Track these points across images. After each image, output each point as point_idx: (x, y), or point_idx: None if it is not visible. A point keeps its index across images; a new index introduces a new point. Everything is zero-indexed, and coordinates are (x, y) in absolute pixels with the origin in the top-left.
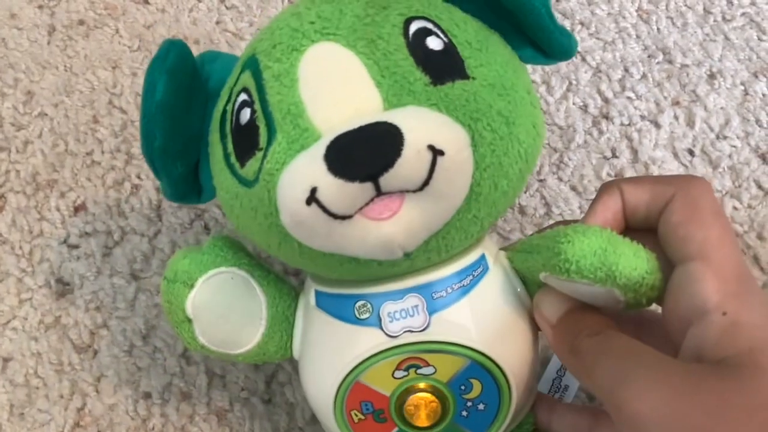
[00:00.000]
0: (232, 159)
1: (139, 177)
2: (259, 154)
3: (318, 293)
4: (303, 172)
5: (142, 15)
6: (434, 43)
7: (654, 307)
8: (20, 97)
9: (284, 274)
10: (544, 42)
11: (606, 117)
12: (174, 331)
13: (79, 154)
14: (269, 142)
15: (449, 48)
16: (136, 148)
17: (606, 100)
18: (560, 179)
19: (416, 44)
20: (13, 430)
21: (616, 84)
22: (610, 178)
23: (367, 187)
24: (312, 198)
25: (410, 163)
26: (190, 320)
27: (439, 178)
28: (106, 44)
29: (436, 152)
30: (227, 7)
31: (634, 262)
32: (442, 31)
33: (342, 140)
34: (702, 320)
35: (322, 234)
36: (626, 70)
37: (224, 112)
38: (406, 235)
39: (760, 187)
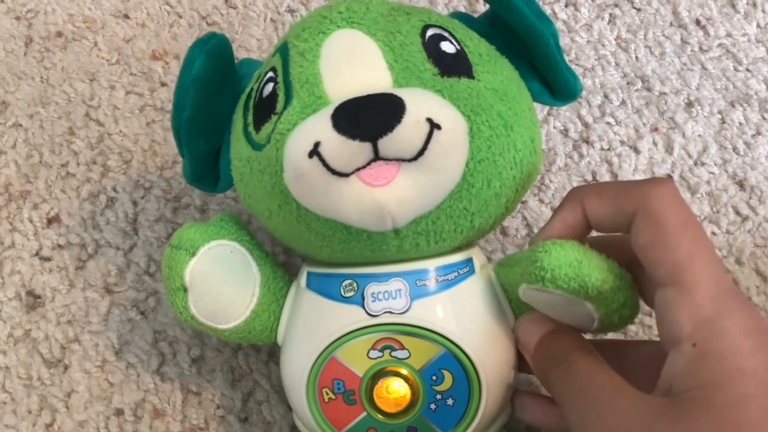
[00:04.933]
0: (250, 128)
1: (115, 190)
2: (274, 118)
3: (309, 274)
4: (310, 129)
5: (121, 29)
6: (447, 47)
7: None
8: None
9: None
10: (550, 73)
11: (586, 141)
12: (168, 299)
13: (54, 166)
14: (285, 107)
15: (460, 53)
16: (113, 161)
17: (586, 125)
18: (541, 201)
19: (430, 44)
20: None
21: (596, 109)
22: None
23: (366, 148)
24: (314, 151)
25: (408, 130)
26: (185, 289)
27: (434, 150)
28: (84, 57)
29: (433, 125)
30: (208, 24)
31: (606, 275)
32: (456, 40)
33: (350, 104)
34: (675, 350)
35: (319, 191)
36: (606, 96)
37: (251, 90)
38: (398, 203)
39: (738, 213)
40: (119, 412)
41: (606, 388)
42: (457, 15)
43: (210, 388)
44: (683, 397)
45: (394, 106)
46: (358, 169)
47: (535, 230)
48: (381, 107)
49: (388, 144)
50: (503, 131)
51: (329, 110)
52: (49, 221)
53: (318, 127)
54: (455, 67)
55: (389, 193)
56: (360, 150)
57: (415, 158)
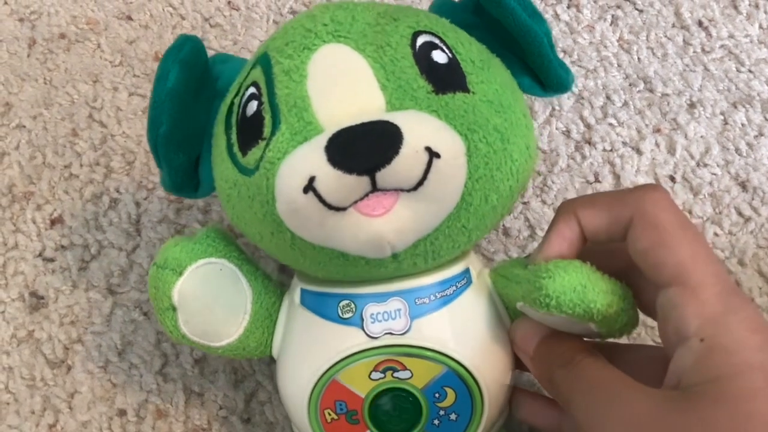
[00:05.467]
0: (235, 149)
1: (118, 191)
2: (262, 144)
3: (303, 291)
4: (303, 162)
5: (124, 31)
6: (439, 57)
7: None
8: None
9: (279, 273)
10: (542, 71)
11: (588, 142)
12: (157, 318)
13: (57, 167)
14: (273, 133)
15: (453, 62)
16: (116, 162)
17: (588, 126)
18: (544, 202)
19: (422, 55)
20: None
21: (598, 111)
22: None
23: (364, 181)
24: (309, 187)
25: (407, 161)
26: (174, 308)
27: (434, 179)
28: (87, 58)
29: (432, 154)
30: (211, 26)
31: (611, 299)
32: (448, 47)
33: (344, 134)
34: (682, 346)
35: (315, 224)
36: (608, 97)
37: (231, 104)
38: (397, 233)
39: (740, 214)
40: (122, 413)
41: (615, 383)
42: (440, 4)
43: (213, 389)
44: (692, 390)
45: (391, 137)
46: (355, 201)
47: (538, 231)
48: (377, 138)
49: (386, 176)
50: (500, 145)
51: (322, 140)
52: (53, 222)
53: (312, 160)
54: (449, 80)
55: (388, 223)
56: (357, 183)
57: (414, 188)
